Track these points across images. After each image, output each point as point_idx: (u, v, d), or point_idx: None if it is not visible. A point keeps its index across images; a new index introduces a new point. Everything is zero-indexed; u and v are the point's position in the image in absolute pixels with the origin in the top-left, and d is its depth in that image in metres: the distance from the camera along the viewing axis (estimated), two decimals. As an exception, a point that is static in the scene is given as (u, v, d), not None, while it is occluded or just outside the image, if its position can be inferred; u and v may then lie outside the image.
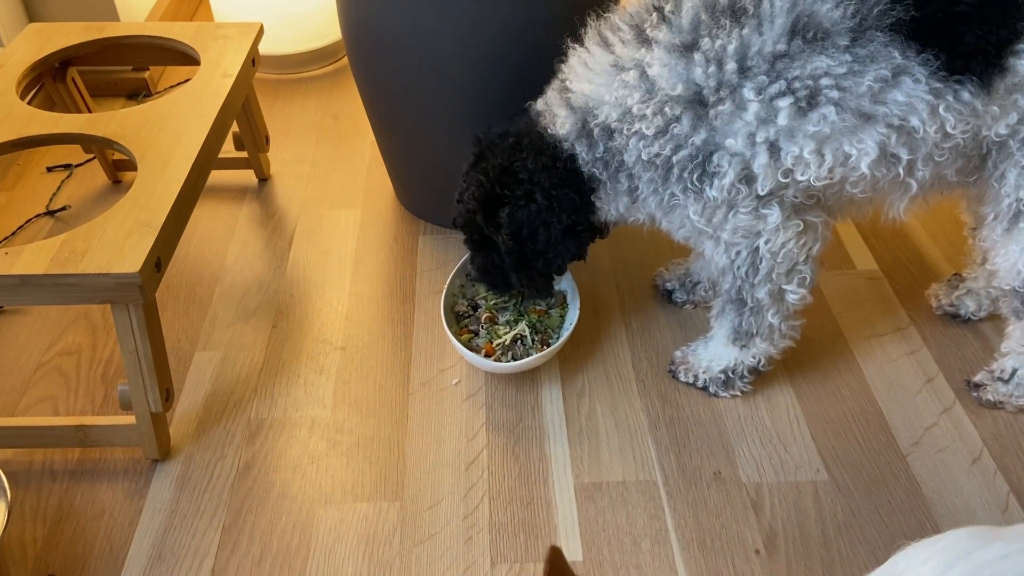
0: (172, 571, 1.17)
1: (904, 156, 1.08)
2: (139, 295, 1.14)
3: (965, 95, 1.03)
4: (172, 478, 1.29)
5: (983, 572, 0.67)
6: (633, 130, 1.16)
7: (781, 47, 1.03)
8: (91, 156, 1.90)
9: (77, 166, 1.91)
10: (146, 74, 2.14)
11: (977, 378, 1.37)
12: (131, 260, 1.13)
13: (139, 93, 2.15)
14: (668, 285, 1.59)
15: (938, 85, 1.02)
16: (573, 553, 1.19)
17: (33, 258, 1.13)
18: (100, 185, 1.88)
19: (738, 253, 1.23)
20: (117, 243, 1.16)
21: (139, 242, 1.16)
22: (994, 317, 1.48)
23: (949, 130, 1.05)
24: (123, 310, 1.17)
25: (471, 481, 1.29)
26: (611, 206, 1.28)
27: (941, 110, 1.04)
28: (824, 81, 1.03)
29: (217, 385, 1.44)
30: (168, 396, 1.27)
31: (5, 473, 1.14)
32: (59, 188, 1.86)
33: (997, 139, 1.09)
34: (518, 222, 1.24)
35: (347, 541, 1.21)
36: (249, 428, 1.37)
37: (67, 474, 1.30)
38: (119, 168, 1.87)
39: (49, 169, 1.92)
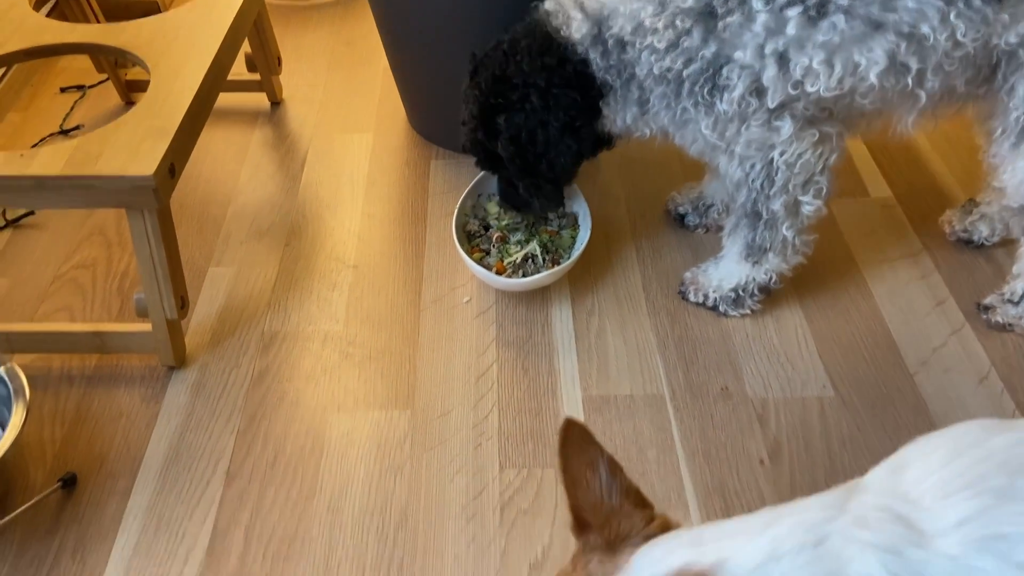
0: (188, 471, 1.20)
1: (914, 65, 1.06)
2: (153, 199, 1.15)
3: (976, 2, 1.01)
4: (187, 385, 1.32)
5: (994, 459, 0.67)
6: (645, 44, 1.15)
7: (791, -46, 1.02)
8: (104, 77, 1.89)
9: (90, 87, 1.91)
10: (158, -2, 2.12)
11: (987, 300, 1.37)
12: (146, 163, 1.14)
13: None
14: (680, 209, 1.58)
15: None
16: (580, 460, 1.20)
17: (49, 160, 1.14)
18: (113, 106, 1.88)
19: (752, 166, 1.23)
20: (132, 147, 1.16)
21: (154, 146, 1.16)
22: (1007, 243, 1.47)
23: (959, 38, 1.04)
24: (138, 215, 1.18)
25: (481, 392, 1.30)
26: (620, 115, 1.27)
27: (952, 17, 1.02)
28: None
29: (231, 299, 1.46)
30: (183, 304, 1.28)
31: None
32: (72, 108, 1.86)
33: (1007, 48, 1.08)
34: (516, 126, 1.25)
35: (359, 446, 1.23)
36: (263, 340, 1.39)
37: (84, 380, 1.32)
38: (132, 89, 1.87)
39: (62, 90, 1.92)
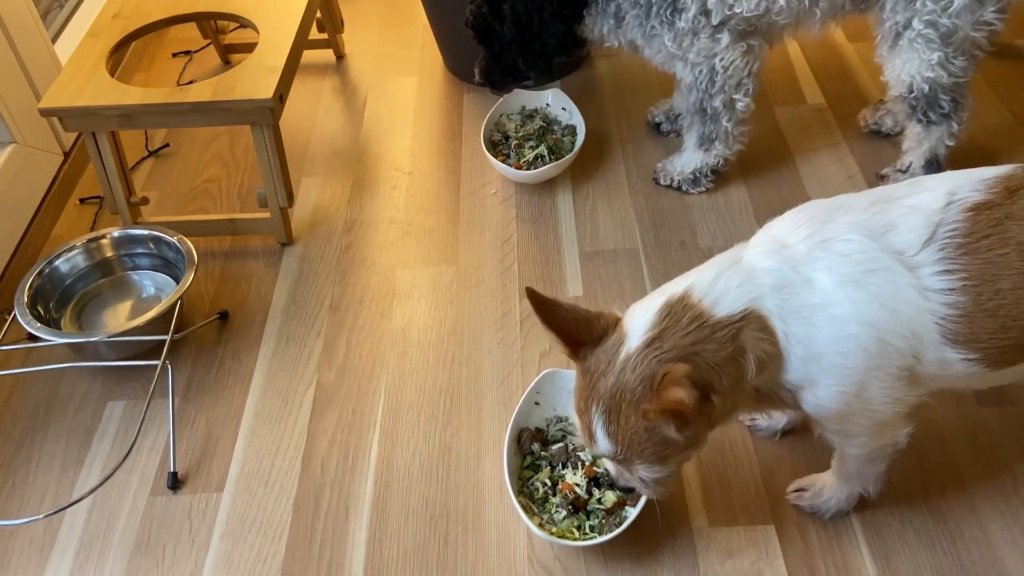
0: (303, 307, 1.72)
1: None
2: (271, 117, 1.66)
3: None
4: (296, 256, 1.83)
5: (820, 208, 1.12)
6: None
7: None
8: (207, 43, 2.40)
9: (196, 52, 2.43)
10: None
11: (884, 171, 1.82)
12: (265, 90, 1.64)
13: None
14: (656, 119, 2.05)
15: None
16: (575, 291, 1.70)
17: (200, 92, 1.65)
18: (214, 66, 2.39)
19: (700, 71, 1.69)
20: (254, 81, 1.66)
21: (268, 80, 1.66)
22: (907, 130, 1.90)
23: None
24: (259, 130, 1.69)
25: (505, 252, 1.80)
26: (597, 25, 1.71)
27: None
28: None
29: (320, 198, 1.97)
30: (290, 196, 1.79)
31: (188, 243, 1.69)
32: (184, 69, 2.38)
33: None
34: (517, 12, 1.69)
35: (420, 287, 1.74)
36: (346, 224, 1.90)
37: (223, 255, 1.85)
38: (229, 51, 2.38)
39: (174, 55, 2.43)
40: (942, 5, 1.49)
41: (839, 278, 1.04)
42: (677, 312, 1.04)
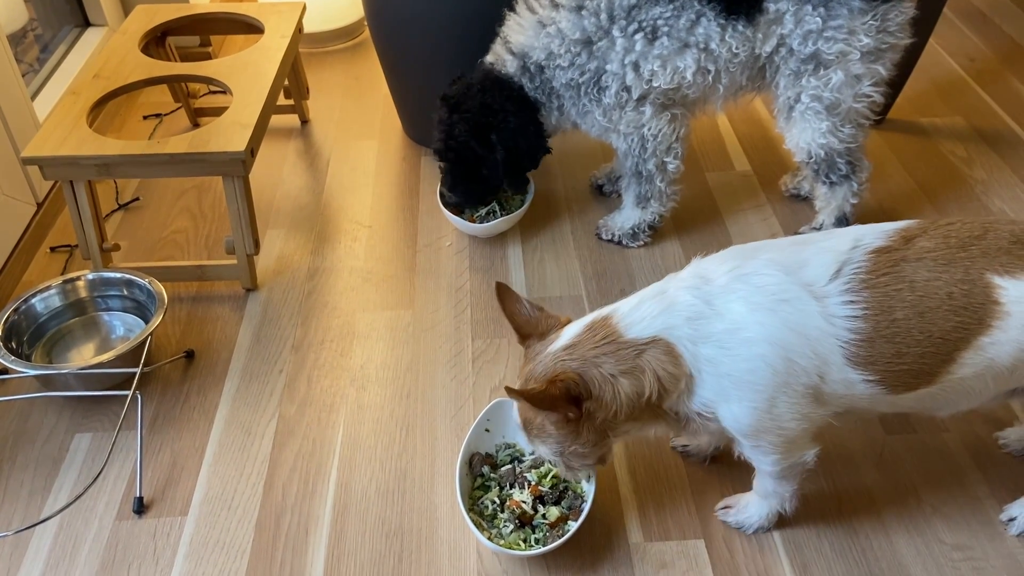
0: (267, 347, 1.81)
1: (711, 68, 1.72)
2: (242, 169, 1.79)
3: (740, 27, 1.67)
4: (260, 301, 1.94)
5: (744, 250, 1.29)
6: (556, 65, 1.80)
7: (632, 1, 1.68)
8: (178, 106, 2.54)
9: (166, 114, 2.56)
10: (210, 48, 2.79)
11: (800, 229, 2.01)
12: (238, 144, 1.77)
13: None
14: (599, 181, 2.23)
15: (723, 21, 1.66)
16: (524, 332, 1.83)
17: (176, 144, 1.78)
18: (183, 127, 2.53)
19: (632, 139, 1.88)
20: (227, 136, 1.80)
21: (241, 134, 1.80)
22: (822, 194, 2.11)
23: (734, 50, 1.69)
24: (230, 181, 1.81)
25: (459, 298, 1.93)
26: (547, 121, 1.91)
27: (727, 37, 1.68)
28: (659, 21, 1.68)
29: (284, 248, 2.09)
30: (256, 244, 1.91)
31: (159, 284, 1.78)
32: (154, 130, 2.51)
33: (766, 56, 1.73)
34: (506, 139, 1.87)
35: (378, 329, 1.85)
36: (309, 272, 2.01)
37: (190, 299, 1.94)
38: (198, 115, 2.52)
39: (145, 117, 2.56)
40: (824, 81, 1.71)
41: (752, 306, 1.20)
42: (597, 329, 1.24)
